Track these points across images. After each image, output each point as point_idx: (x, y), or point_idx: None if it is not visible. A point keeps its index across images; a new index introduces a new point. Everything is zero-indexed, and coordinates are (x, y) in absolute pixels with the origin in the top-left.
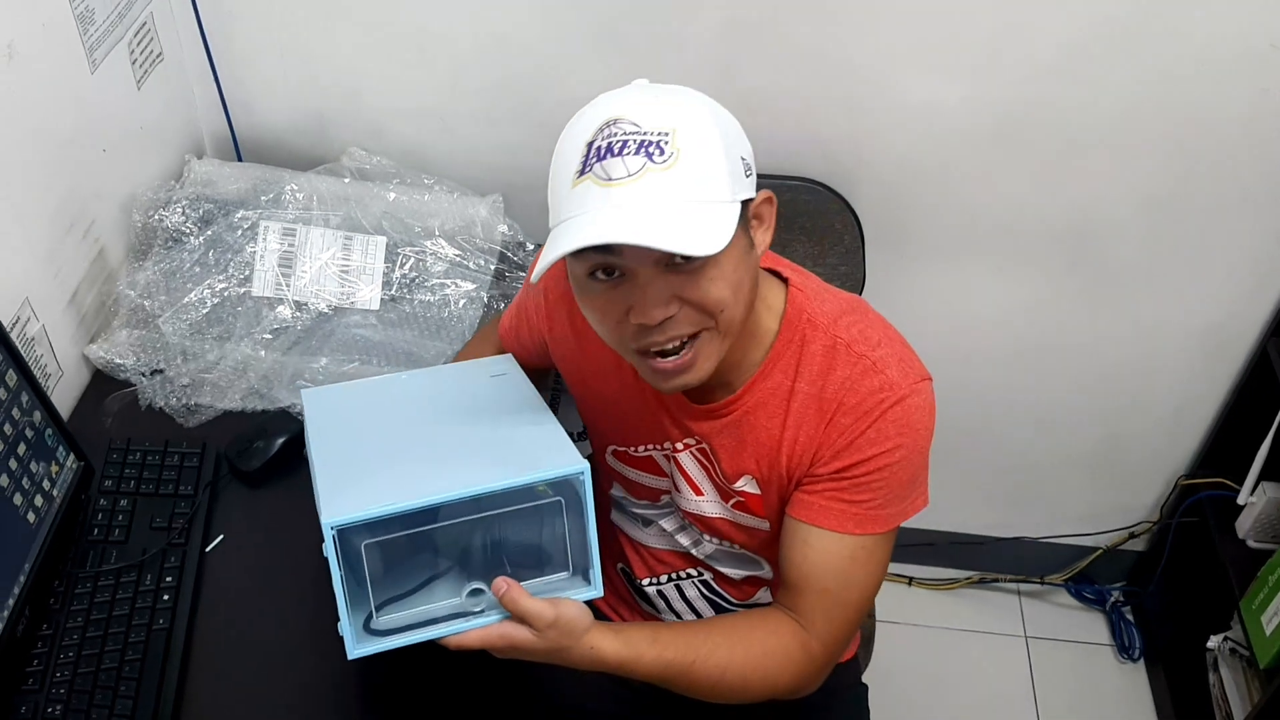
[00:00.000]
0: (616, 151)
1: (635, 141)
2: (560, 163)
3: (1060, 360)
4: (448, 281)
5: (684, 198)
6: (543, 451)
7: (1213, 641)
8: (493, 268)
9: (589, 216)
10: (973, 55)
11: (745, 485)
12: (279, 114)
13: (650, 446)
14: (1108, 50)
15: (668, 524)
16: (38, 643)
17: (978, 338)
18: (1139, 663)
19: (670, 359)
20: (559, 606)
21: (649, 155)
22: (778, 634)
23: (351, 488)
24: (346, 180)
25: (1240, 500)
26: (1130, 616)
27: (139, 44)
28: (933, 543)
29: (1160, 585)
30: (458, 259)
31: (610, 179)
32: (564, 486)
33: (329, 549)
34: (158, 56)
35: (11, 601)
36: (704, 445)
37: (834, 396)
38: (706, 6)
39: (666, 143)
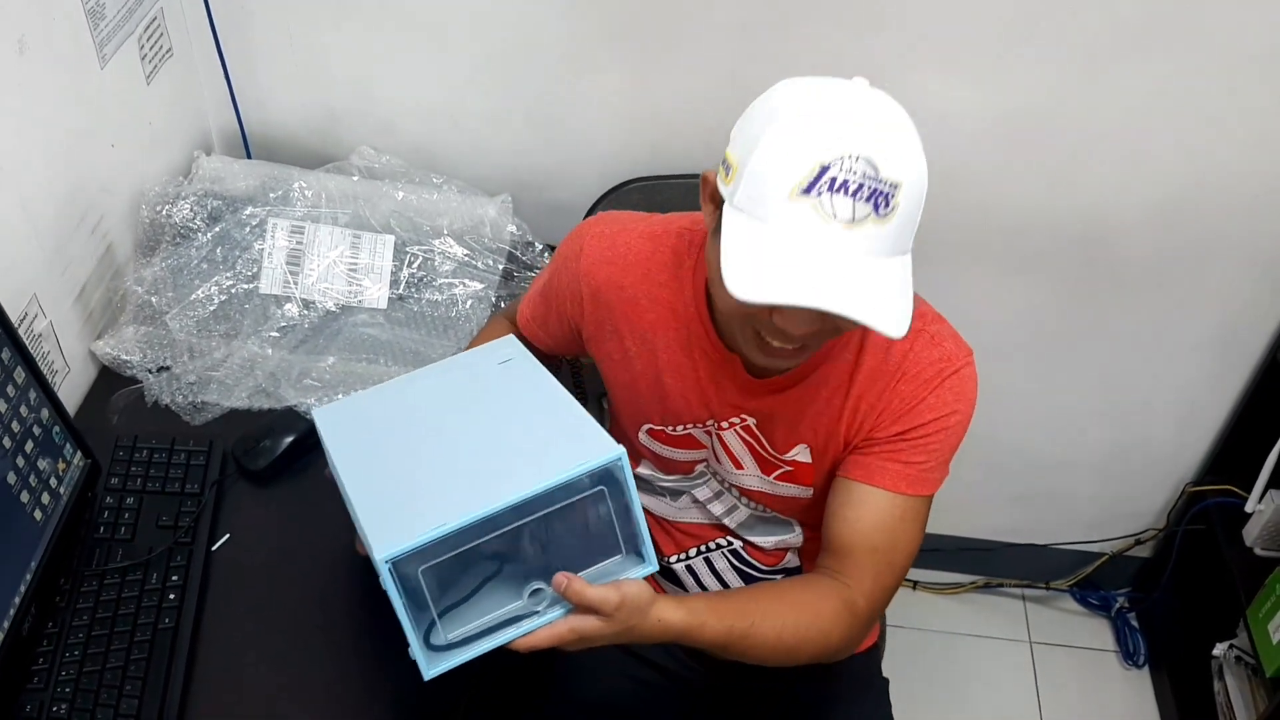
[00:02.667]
0: (850, 192)
1: (869, 188)
2: (780, 159)
3: (1068, 365)
4: (455, 281)
5: (884, 251)
6: (575, 442)
7: (1218, 649)
8: (501, 267)
9: (800, 254)
10: (983, 59)
11: (798, 454)
12: (288, 111)
13: (691, 425)
14: (1119, 54)
15: (701, 493)
16: (43, 641)
17: (985, 341)
18: (1144, 669)
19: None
20: (622, 588)
21: (875, 206)
22: (825, 596)
23: (395, 515)
24: (355, 178)
25: (1248, 508)
26: (1135, 623)
27: (149, 39)
28: (938, 547)
29: (1166, 592)
30: (466, 258)
31: (835, 217)
32: (601, 471)
33: (387, 582)
34: (167, 52)
35: (18, 599)
36: (751, 422)
37: (897, 367)
38: (719, 9)
39: (893, 196)
